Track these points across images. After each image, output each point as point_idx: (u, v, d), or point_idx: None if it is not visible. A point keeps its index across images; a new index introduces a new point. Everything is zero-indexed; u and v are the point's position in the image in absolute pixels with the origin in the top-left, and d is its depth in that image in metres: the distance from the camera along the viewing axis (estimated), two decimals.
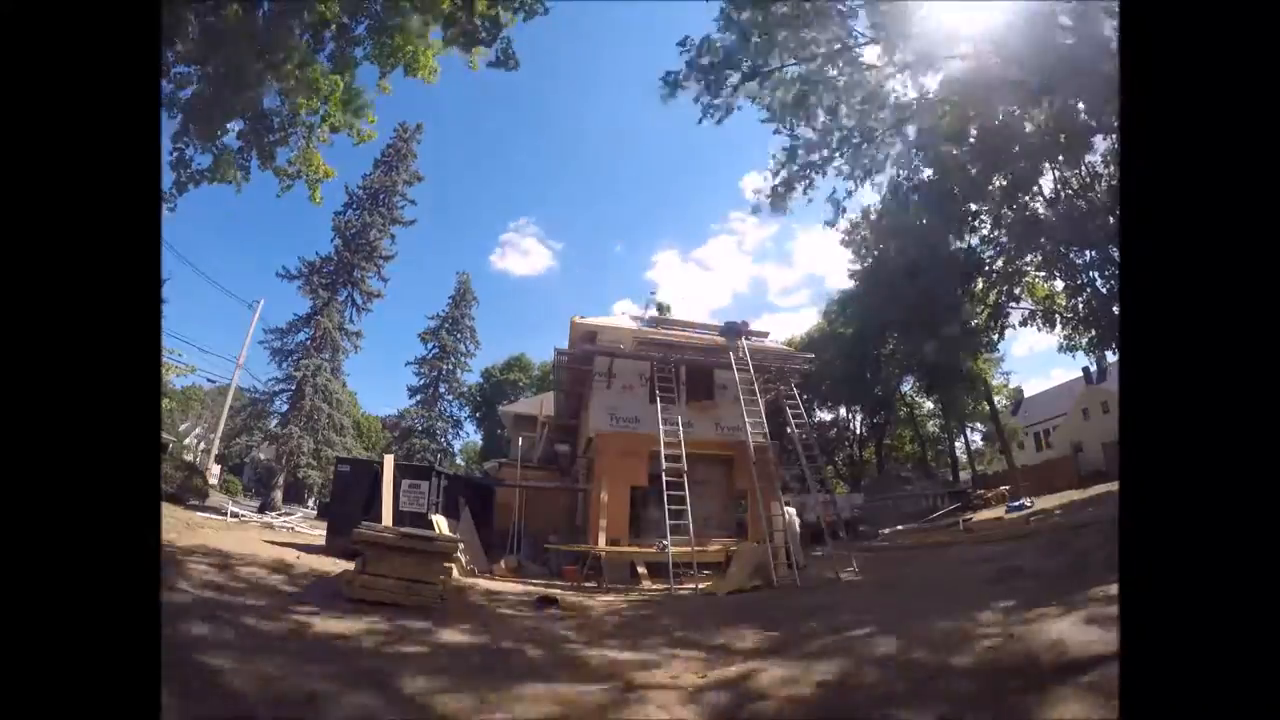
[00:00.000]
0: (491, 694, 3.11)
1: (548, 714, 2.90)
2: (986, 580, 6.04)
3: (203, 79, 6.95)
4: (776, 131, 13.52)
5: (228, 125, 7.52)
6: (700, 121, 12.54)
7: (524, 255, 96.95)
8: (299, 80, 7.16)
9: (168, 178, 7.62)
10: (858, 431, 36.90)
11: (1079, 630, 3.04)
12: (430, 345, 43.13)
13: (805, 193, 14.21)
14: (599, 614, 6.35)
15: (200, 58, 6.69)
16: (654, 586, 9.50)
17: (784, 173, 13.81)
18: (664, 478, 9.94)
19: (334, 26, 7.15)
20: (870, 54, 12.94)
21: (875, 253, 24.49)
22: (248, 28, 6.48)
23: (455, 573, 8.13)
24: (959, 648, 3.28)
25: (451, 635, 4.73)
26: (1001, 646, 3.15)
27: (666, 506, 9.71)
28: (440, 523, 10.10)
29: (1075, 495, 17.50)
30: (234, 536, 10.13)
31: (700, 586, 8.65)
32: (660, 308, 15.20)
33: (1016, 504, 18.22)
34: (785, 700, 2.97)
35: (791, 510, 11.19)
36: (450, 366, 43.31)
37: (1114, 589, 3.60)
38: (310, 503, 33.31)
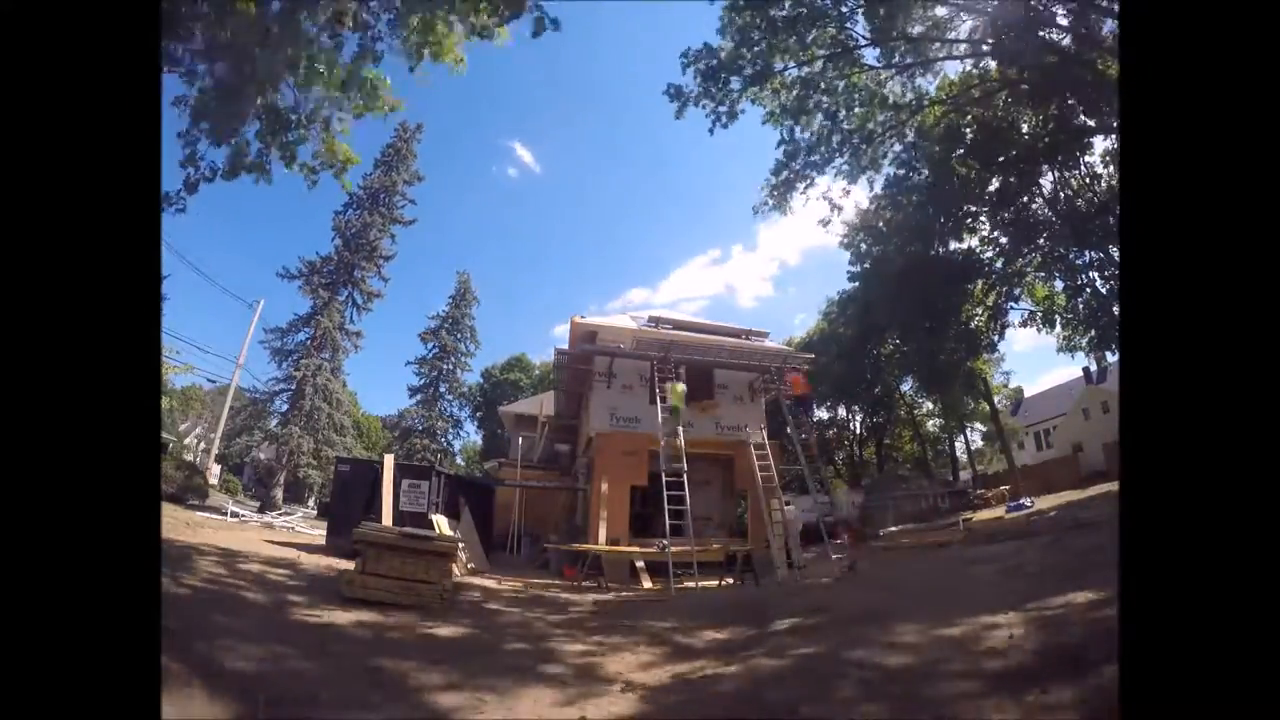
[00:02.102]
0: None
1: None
2: (977, 580, 6.04)
3: (214, 75, 6.91)
4: (781, 143, 13.59)
5: (243, 125, 7.48)
6: (711, 131, 12.59)
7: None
8: (314, 74, 7.11)
9: (179, 177, 7.62)
10: (857, 431, 36.91)
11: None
12: (430, 345, 43.12)
13: (805, 192, 14.28)
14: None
15: (211, 54, 6.66)
16: (654, 586, 9.51)
17: (785, 173, 13.86)
18: (664, 478, 9.94)
19: (351, 21, 7.10)
20: (869, 56, 13.03)
21: (874, 253, 24.49)
22: (259, 24, 6.44)
23: (456, 572, 8.13)
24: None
25: (446, 630, 4.77)
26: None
27: (666, 506, 9.72)
28: (440, 522, 10.10)
29: (1072, 496, 17.50)
30: (234, 536, 10.13)
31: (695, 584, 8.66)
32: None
33: (1017, 504, 18.21)
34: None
35: (792, 509, 11.21)
36: (450, 366, 43.29)
37: (1096, 593, 3.62)
38: (310, 503, 33.33)
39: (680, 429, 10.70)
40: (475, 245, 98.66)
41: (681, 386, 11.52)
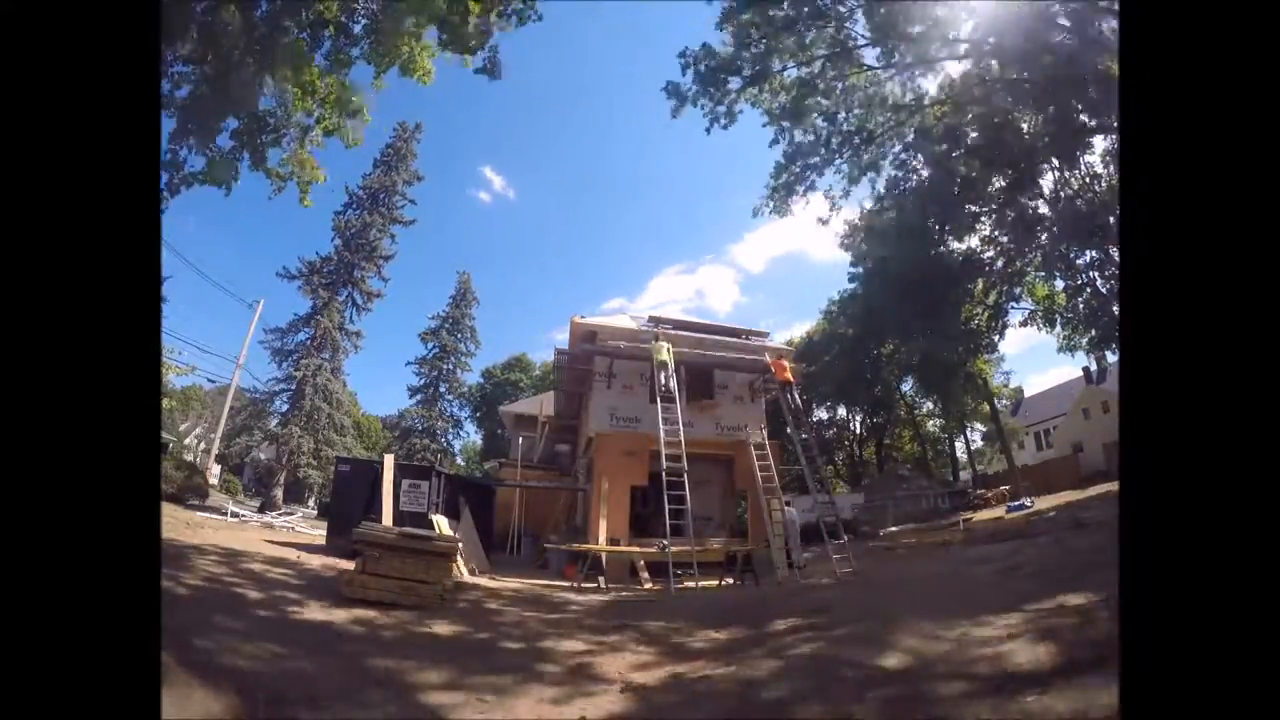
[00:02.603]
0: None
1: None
2: (976, 581, 6.04)
3: (200, 79, 6.94)
4: (775, 142, 13.57)
5: (221, 125, 7.50)
6: (708, 131, 12.57)
7: None
8: (295, 80, 7.16)
9: (161, 179, 7.62)
10: (858, 431, 36.91)
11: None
12: (430, 345, 43.14)
13: (805, 194, 14.26)
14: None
15: (198, 58, 6.69)
16: (654, 586, 9.51)
17: (784, 175, 13.84)
18: (664, 477, 9.94)
19: (331, 27, 7.15)
20: (869, 56, 13.01)
21: (875, 254, 24.50)
22: (244, 27, 6.48)
23: (458, 572, 8.13)
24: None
25: (444, 630, 4.78)
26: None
27: (666, 506, 9.72)
28: (440, 523, 10.11)
29: (1071, 496, 17.52)
30: (234, 536, 10.13)
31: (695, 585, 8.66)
32: None
33: (1017, 504, 18.23)
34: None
35: (792, 510, 11.20)
36: (450, 366, 43.30)
37: (1095, 594, 3.62)
38: (310, 503, 33.33)
39: (680, 427, 10.69)
40: (471, 247, 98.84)
41: (666, 344, 11.85)
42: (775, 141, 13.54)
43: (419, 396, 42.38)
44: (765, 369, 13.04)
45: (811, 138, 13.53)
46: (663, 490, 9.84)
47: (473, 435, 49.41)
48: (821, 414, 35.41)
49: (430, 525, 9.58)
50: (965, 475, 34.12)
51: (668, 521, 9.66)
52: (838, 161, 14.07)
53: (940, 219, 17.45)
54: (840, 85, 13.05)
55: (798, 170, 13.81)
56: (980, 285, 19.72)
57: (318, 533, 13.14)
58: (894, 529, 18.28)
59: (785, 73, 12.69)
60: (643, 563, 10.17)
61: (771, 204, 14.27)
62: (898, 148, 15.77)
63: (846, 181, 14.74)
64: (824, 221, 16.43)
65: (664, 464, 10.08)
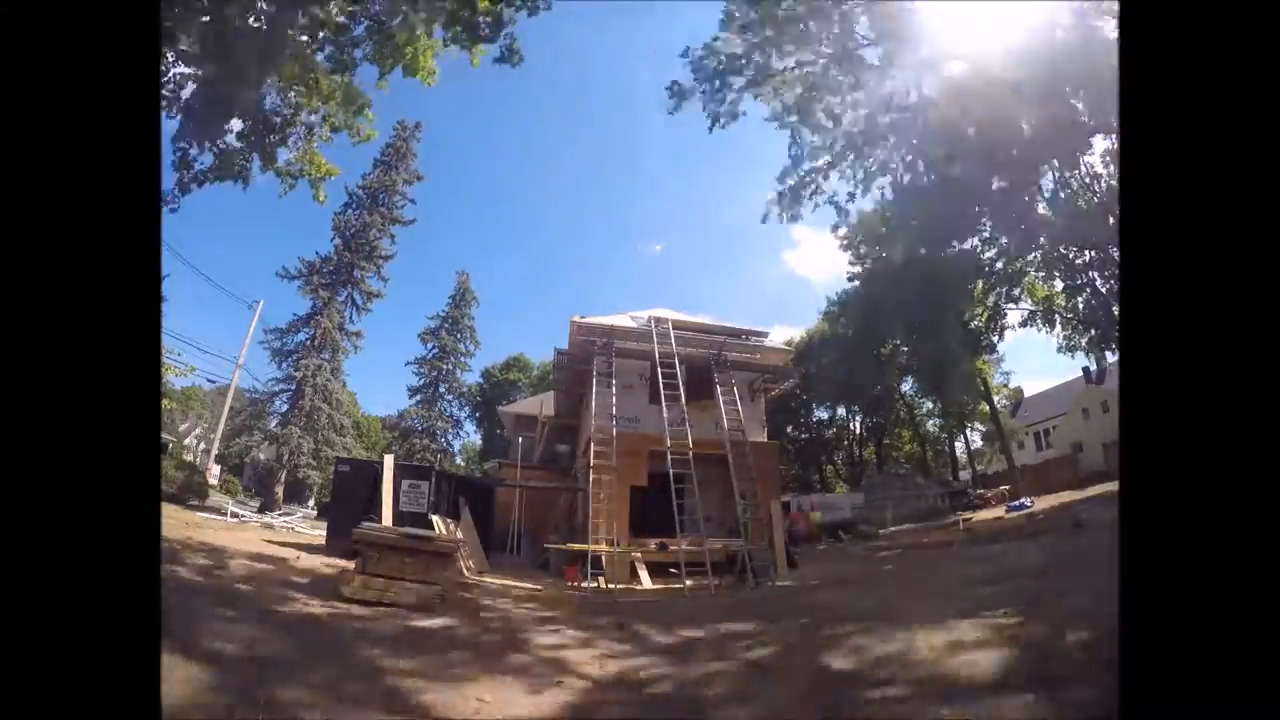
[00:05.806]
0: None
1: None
2: (973, 581, 6.04)
3: (203, 80, 6.94)
4: (792, 143, 13.53)
5: (229, 126, 7.52)
6: (711, 130, 12.55)
7: None
8: (299, 80, 7.17)
9: (171, 178, 7.64)
10: (857, 431, 36.92)
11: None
12: (430, 345, 43.14)
13: (812, 198, 14.20)
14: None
15: (200, 59, 6.69)
16: (652, 586, 9.51)
17: (791, 179, 13.80)
18: (670, 470, 9.96)
19: (330, 27, 7.15)
20: (872, 56, 12.97)
21: (875, 254, 24.50)
22: (247, 29, 6.48)
23: (461, 572, 8.11)
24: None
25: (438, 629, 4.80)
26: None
27: (675, 501, 9.77)
28: (440, 523, 10.10)
29: (1070, 496, 17.53)
30: (233, 536, 10.12)
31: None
32: None
33: (1017, 504, 18.24)
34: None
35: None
36: (450, 366, 43.30)
37: (1094, 594, 3.63)
38: (310, 503, 33.32)
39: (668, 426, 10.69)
40: (475, 247, 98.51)
41: None
42: (792, 143, 13.50)
43: (419, 397, 42.39)
44: (764, 369, 13.04)
45: (817, 139, 13.48)
46: (662, 490, 9.85)
47: (472, 435, 49.46)
48: (821, 414, 35.48)
49: (430, 525, 9.57)
50: (965, 475, 34.12)
51: (676, 519, 9.70)
52: (843, 165, 14.02)
53: (940, 219, 17.41)
54: (844, 84, 13.01)
55: (804, 173, 13.75)
56: (980, 285, 19.71)
57: (317, 533, 13.13)
58: (893, 529, 18.29)
59: (789, 71, 12.65)
60: (642, 564, 10.16)
61: (779, 208, 14.18)
62: (902, 149, 15.73)
63: (852, 186, 14.70)
64: (834, 228, 16.36)
65: (670, 461, 10.01)
